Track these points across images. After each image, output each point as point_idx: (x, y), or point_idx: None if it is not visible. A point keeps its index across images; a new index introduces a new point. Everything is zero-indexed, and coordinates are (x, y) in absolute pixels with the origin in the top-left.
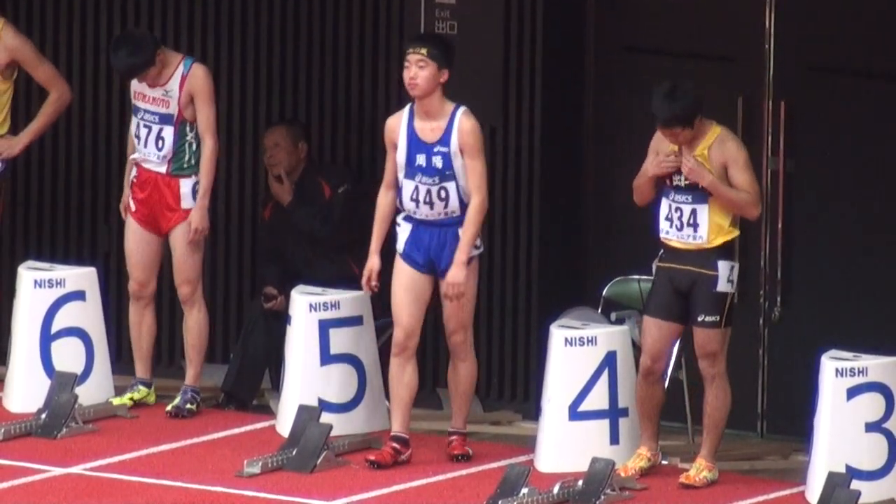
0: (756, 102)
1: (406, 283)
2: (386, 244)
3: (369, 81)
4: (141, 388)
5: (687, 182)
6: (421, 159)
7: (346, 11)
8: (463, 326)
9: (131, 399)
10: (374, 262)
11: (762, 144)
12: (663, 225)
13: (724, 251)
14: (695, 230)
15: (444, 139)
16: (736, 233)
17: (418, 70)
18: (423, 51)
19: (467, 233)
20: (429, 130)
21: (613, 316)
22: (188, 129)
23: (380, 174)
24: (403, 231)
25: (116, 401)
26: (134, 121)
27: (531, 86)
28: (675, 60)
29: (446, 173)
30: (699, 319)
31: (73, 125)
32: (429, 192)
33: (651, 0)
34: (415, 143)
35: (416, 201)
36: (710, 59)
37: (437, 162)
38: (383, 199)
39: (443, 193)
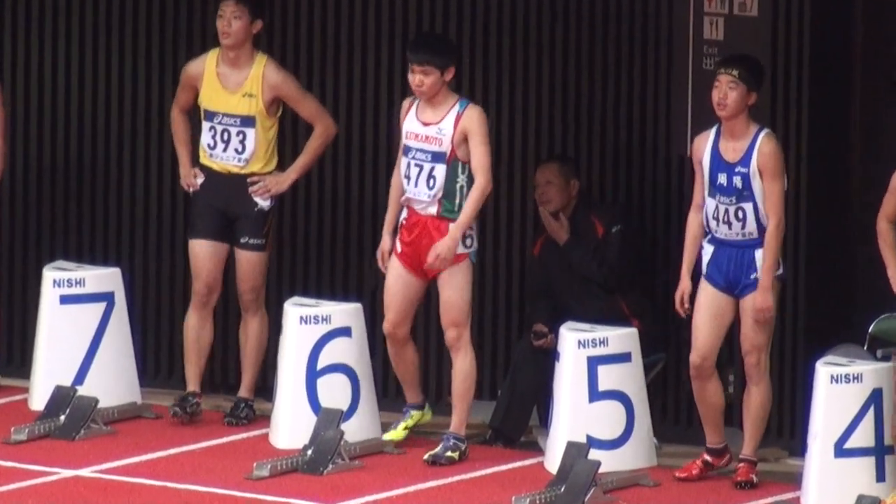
0: None
1: (706, 302)
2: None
3: (638, 117)
4: (413, 412)
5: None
6: (722, 178)
7: (615, 49)
8: (757, 348)
9: (406, 428)
10: (685, 285)
11: None
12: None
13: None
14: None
15: (745, 160)
16: None
17: (728, 91)
18: (735, 72)
19: (767, 257)
20: (731, 150)
21: (879, 353)
22: (460, 169)
23: (647, 211)
24: (706, 253)
25: (388, 435)
26: (404, 161)
27: (798, 123)
28: None
29: (744, 193)
30: None
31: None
32: (727, 211)
33: None
34: (717, 162)
35: (717, 220)
36: None
37: (737, 182)
38: (693, 221)
39: (740, 214)
